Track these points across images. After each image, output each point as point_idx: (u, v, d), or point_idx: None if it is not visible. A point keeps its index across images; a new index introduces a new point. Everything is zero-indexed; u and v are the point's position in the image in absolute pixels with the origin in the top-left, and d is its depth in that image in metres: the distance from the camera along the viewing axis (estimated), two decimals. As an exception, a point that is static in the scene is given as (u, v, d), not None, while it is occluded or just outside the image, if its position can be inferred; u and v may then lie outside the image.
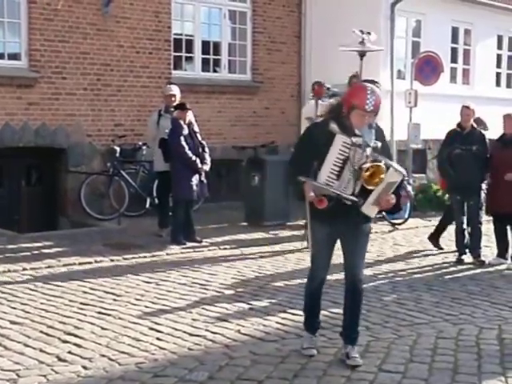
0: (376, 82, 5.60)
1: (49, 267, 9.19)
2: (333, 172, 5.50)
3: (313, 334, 6.14)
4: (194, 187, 10.65)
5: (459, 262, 9.94)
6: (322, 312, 7.19)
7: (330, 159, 5.49)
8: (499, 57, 18.73)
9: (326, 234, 5.74)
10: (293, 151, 6.05)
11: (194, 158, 10.59)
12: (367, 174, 5.40)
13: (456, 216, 10.24)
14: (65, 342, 6.31)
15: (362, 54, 6.10)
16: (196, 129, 10.94)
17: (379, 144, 5.57)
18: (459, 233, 10.10)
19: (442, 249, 10.77)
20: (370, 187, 5.45)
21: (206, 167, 10.87)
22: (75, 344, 6.24)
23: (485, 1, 17.30)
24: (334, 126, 5.51)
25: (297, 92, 16.00)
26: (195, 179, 10.66)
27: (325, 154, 5.50)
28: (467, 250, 10.03)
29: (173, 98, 11.15)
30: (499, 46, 18.66)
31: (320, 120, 5.96)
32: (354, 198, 5.49)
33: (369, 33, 6.03)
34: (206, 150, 10.98)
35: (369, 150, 5.48)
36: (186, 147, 10.53)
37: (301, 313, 7.24)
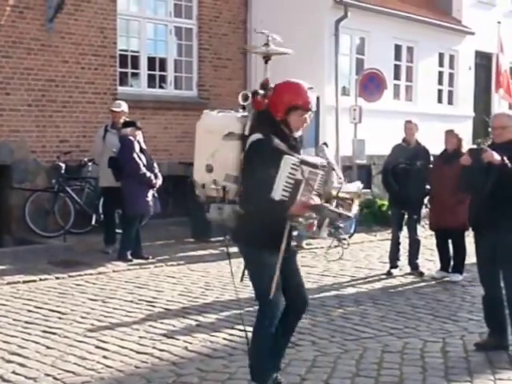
0: (311, 88, 5.23)
1: (-8, 286, 9.07)
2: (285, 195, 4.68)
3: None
4: (151, 202, 10.66)
5: (388, 274, 10.07)
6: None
7: (280, 184, 4.67)
8: (441, 74, 19.13)
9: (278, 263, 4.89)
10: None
11: (148, 173, 10.59)
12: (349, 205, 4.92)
13: (393, 229, 10.41)
14: (9, 361, 6.22)
15: (266, 58, 5.69)
16: (143, 146, 10.94)
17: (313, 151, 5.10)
18: (394, 246, 10.24)
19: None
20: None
21: (159, 182, 10.87)
22: (19, 364, 6.16)
23: (426, 19, 17.69)
24: (278, 142, 4.83)
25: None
26: (150, 195, 10.67)
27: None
28: (399, 263, 10.22)
29: (124, 116, 11.12)
30: (440, 64, 19.06)
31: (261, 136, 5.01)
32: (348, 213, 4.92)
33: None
34: (155, 165, 11.00)
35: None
36: (141, 163, 10.52)
37: (248, 328, 7.26)
